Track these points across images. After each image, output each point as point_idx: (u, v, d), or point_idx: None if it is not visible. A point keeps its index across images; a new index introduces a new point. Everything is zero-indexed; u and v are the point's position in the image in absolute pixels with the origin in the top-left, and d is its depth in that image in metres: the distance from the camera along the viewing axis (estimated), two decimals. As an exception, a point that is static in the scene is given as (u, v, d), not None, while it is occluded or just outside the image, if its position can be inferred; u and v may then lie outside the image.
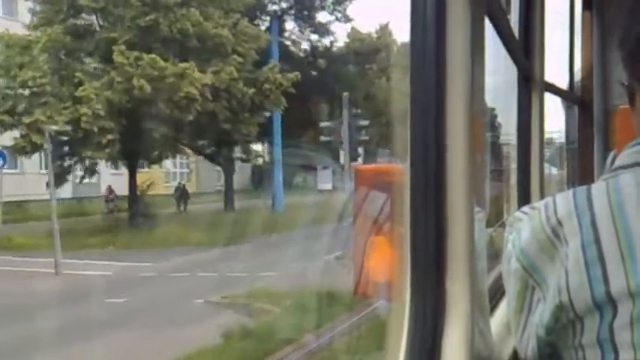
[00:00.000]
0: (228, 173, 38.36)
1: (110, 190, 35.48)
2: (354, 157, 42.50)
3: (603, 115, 3.74)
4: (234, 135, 32.91)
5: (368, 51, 49.53)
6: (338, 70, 46.80)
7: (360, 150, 45.53)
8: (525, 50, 2.59)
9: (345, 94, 35.51)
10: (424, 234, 1.23)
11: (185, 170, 45.43)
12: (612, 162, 1.31)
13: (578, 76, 3.93)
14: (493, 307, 1.84)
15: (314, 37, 46.42)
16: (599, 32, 3.74)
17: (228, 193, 37.87)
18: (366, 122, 35.73)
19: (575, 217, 1.21)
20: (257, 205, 36.21)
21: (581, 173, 3.85)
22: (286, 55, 43.23)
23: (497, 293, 1.94)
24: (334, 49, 47.44)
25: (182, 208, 38.53)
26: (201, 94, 28.89)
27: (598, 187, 1.24)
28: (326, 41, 48.92)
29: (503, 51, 2.13)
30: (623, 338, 1.16)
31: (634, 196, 1.20)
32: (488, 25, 1.67)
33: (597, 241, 1.18)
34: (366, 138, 44.53)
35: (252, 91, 31.47)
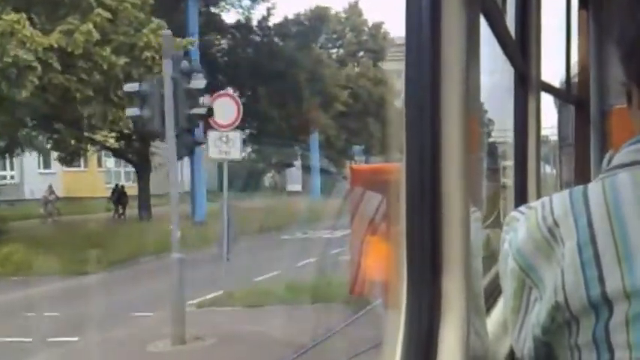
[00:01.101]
0: (142, 172, 31.93)
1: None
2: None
3: (600, 115, 3.75)
4: (95, 120, 23.88)
5: (315, 27, 45.49)
6: (277, 45, 40.66)
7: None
8: (522, 49, 2.59)
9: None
10: (420, 233, 1.23)
11: (131, 169, 38.01)
12: (609, 162, 1.30)
13: (574, 76, 3.93)
14: (489, 307, 1.84)
15: (247, 2, 39.81)
16: (595, 31, 3.74)
17: (142, 196, 31.39)
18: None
19: (572, 217, 1.21)
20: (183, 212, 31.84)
21: (578, 173, 3.85)
22: (213, 25, 36.73)
23: (493, 293, 1.94)
24: (276, 21, 41.74)
25: (120, 212, 34.83)
26: (42, 61, 21.08)
27: (594, 187, 1.24)
28: (262, 10, 43.91)
29: (488, 47, 2.13)
30: (619, 338, 1.16)
31: (631, 196, 1.20)
32: (484, 25, 1.67)
33: (593, 241, 1.18)
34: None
35: (123, 60, 22.85)
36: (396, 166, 1.35)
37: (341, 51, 50.43)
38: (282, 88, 38.51)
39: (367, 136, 49.19)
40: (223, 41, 40.90)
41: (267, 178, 52.32)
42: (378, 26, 50.50)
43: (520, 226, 1.28)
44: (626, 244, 1.17)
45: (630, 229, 1.18)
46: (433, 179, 1.22)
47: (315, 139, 44.77)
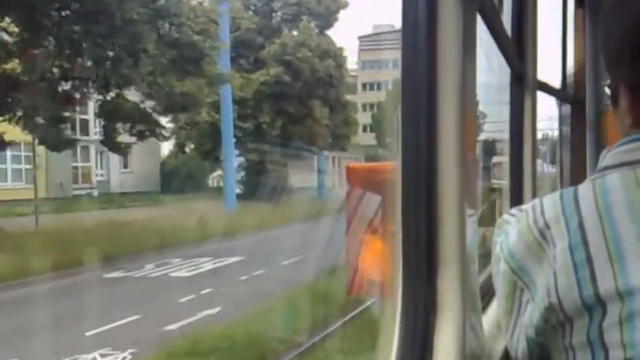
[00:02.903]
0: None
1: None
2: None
3: (596, 114, 3.75)
4: None
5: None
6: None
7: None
8: (518, 49, 2.60)
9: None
10: (415, 233, 1.23)
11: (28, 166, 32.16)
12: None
13: (570, 75, 3.94)
14: (485, 306, 1.84)
15: None
16: (591, 30, 3.75)
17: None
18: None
19: (563, 219, 1.21)
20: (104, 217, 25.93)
21: (574, 172, 3.86)
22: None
23: (489, 292, 1.94)
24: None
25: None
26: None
27: (585, 188, 1.24)
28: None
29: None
30: (613, 338, 1.17)
31: (621, 197, 1.21)
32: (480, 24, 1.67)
33: (585, 242, 1.19)
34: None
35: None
36: (391, 165, 1.35)
37: (279, 14, 42.00)
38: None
39: (311, 123, 41.08)
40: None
41: (214, 178, 44.29)
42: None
43: (511, 229, 1.29)
44: (618, 244, 1.18)
45: (621, 230, 1.18)
46: (429, 178, 1.22)
47: (228, 124, 35.03)
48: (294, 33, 41.56)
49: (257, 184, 36.44)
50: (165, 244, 21.93)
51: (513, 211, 1.35)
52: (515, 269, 1.26)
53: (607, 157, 1.28)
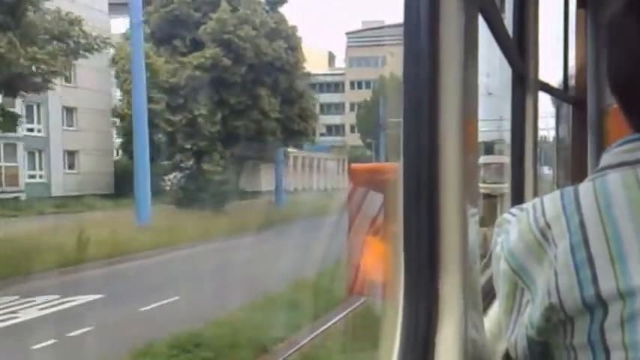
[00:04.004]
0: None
1: None
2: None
3: (597, 115, 3.75)
4: None
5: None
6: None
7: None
8: (519, 49, 2.60)
9: None
10: (417, 233, 1.23)
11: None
12: None
13: (572, 75, 3.94)
14: (487, 306, 1.84)
15: None
16: (593, 30, 3.75)
17: None
18: None
19: (564, 218, 1.21)
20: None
21: (575, 173, 3.85)
22: None
23: (490, 292, 1.94)
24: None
25: None
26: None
27: (585, 188, 1.25)
28: None
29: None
30: (614, 339, 1.17)
31: (621, 197, 1.21)
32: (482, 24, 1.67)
33: (586, 242, 1.19)
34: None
35: None
36: (394, 166, 1.35)
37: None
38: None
39: (258, 115, 34.78)
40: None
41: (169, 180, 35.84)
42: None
43: (512, 228, 1.29)
44: (619, 244, 1.18)
45: (622, 230, 1.18)
46: (431, 179, 1.22)
47: (140, 116, 28.08)
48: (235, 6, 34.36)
49: (198, 189, 32.29)
50: (12, 273, 16.78)
51: (514, 210, 1.35)
52: (515, 269, 1.26)
53: (606, 157, 1.29)
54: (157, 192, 29.93)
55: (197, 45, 34.03)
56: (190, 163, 34.43)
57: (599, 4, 3.73)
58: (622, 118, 1.33)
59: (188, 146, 34.18)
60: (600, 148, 3.54)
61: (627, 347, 1.16)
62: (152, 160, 28.97)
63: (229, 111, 34.37)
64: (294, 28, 37.01)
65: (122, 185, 34.59)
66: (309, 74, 39.96)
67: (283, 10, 37.84)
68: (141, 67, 28.10)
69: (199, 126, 33.49)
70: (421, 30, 1.23)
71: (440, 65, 1.22)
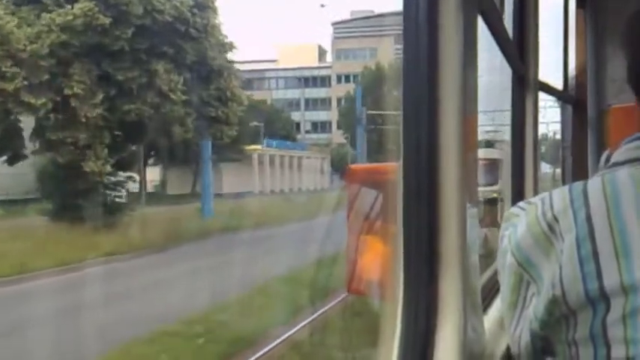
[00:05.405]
0: None
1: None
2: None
3: (597, 115, 3.75)
4: None
5: None
6: None
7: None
8: (519, 50, 2.60)
9: None
10: (416, 232, 1.24)
11: None
12: (607, 160, 1.32)
13: (572, 75, 3.94)
14: (486, 305, 1.84)
15: None
16: (593, 31, 3.75)
17: None
18: None
19: (571, 212, 1.22)
20: None
21: (576, 172, 3.86)
22: None
23: (490, 291, 1.95)
24: None
25: None
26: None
27: (594, 183, 1.25)
28: None
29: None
30: (616, 334, 1.18)
31: (630, 193, 1.22)
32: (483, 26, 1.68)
33: (592, 235, 1.19)
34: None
35: None
36: (393, 166, 1.35)
37: None
38: None
39: (154, 97, 25.91)
40: None
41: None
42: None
43: (520, 222, 1.29)
44: (624, 240, 1.19)
45: (629, 226, 1.19)
46: (430, 179, 1.23)
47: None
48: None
49: (76, 195, 24.03)
50: None
51: (522, 204, 1.35)
52: (521, 262, 1.27)
53: (617, 154, 1.29)
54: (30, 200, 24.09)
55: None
56: (63, 161, 25.14)
57: (599, 4, 3.73)
58: (622, 118, 1.34)
59: (59, 138, 24.82)
60: (600, 148, 3.54)
61: (628, 342, 1.17)
62: (13, 158, 23.99)
63: (117, 91, 25.23)
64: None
65: (45, 187, 26.79)
66: (230, 44, 30.70)
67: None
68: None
69: (73, 111, 24.40)
70: (420, 31, 1.23)
71: (439, 66, 1.23)
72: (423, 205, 1.24)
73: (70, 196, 24.34)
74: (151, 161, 34.96)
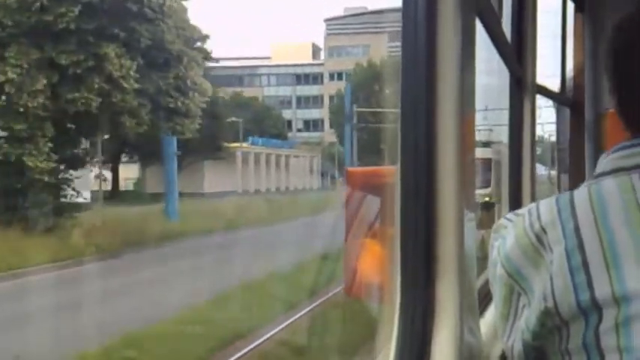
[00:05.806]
0: None
1: None
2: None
3: (594, 118, 3.75)
4: None
5: None
6: None
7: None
8: (517, 53, 2.60)
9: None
10: (414, 235, 1.24)
11: None
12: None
13: (570, 79, 3.94)
14: (483, 309, 1.84)
15: None
16: (590, 34, 3.75)
17: None
18: None
19: (559, 224, 1.22)
20: None
21: (573, 176, 3.86)
22: None
23: (487, 294, 1.95)
24: None
25: None
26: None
27: (580, 194, 1.25)
28: None
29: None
30: (609, 343, 1.17)
31: (617, 202, 1.22)
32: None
33: (581, 247, 1.20)
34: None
35: None
36: (391, 170, 1.35)
37: None
38: None
39: (104, 84, 23.02)
40: None
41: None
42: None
43: (508, 234, 1.30)
44: (614, 249, 1.19)
45: (617, 235, 1.19)
46: (428, 181, 1.23)
47: None
48: None
49: (14, 193, 21.79)
50: None
51: (510, 215, 1.35)
52: (511, 273, 1.27)
53: (602, 163, 1.29)
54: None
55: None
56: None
57: (597, 8, 3.73)
58: (619, 122, 1.33)
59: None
60: (597, 151, 3.55)
61: (622, 351, 1.16)
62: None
63: (60, 76, 22.46)
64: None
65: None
66: (193, 27, 28.46)
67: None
68: None
69: (8, 99, 21.96)
70: (418, 34, 1.23)
71: (437, 68, 1.23)
72: (420, 208, 1.23)
73: (4, 194, 21.80)
74: (125, 158, 32.52)
